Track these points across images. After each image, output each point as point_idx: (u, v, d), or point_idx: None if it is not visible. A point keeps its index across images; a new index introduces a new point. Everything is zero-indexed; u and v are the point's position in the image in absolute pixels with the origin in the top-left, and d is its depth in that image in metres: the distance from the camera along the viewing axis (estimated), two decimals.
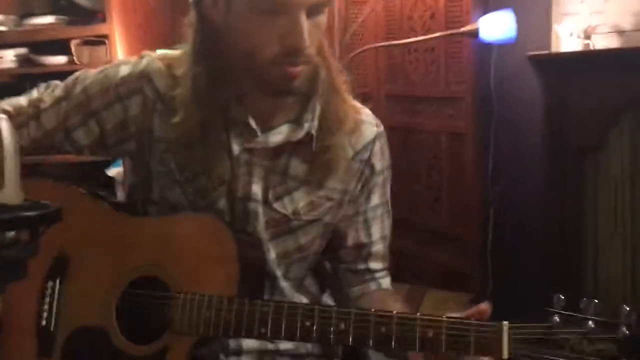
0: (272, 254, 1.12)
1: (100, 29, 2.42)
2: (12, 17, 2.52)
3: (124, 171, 2.50)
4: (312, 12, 0.95)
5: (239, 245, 1.02)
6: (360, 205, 1.17)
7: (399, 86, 2.38)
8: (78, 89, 1.12)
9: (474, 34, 1.93)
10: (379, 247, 1.21)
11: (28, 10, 2.61)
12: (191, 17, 1.04)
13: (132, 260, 1.06)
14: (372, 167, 1.16)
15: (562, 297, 0.87)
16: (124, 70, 1.10)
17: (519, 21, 1.90)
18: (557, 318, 0.86)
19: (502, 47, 2.13)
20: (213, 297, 0.99)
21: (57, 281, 1.07)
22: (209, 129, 1.04)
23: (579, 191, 2.14)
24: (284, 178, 1.10)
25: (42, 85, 1.18)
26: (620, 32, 2.11)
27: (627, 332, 0.82)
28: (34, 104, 1.14)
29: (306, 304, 1.00)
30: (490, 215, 2.34)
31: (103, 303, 1.04)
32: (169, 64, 1.09)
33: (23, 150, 1.12)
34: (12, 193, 0.68)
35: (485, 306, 0.92)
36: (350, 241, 1.19)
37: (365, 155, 1.15)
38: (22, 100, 1.16)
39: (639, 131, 2.05)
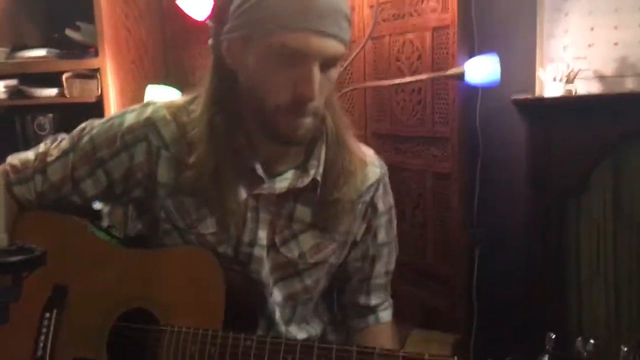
0: (277, 297, 1.12)
1: (92, 63, 2.42)
2: (3, 49, 2.52)
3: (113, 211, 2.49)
4: (326, 65, 0.96)
5: (233, 280, 1.03)
6: (368, 247, 1.19)
7: (386, 125, 2.41)
8: (85, 139, 1.12)
9: (460, 76, 1.96)
10: (381, 282, 1.23)
11: (20, 43, 2.61)
12: (210, 60, 1.06)
13: (125, 292, 1.07)
14: (375, 208, 1.18)
15: (553, 336, 0.85)
16: (130, 119, 1.10)
17: (503, 65, 1.93)
18: (546, 358, 0.85)
19: (487, 90, 2.17)
20: (199, 330, 1.00)
21: (55, 312, 1.08)
22: (221, 173, 1.05)
23: (562, 232, 2.16)
24: (289, 222, 1.11)
25: (50, 139, 1.19)
26: (602, 78, 2.17)
27: None
28: (41, 158, 1.15)
29: (288, 339, 1.01)
30: (475, 255, 2.35)
31: (96, 335, 1.05)
32: (174, 112, 1.10)
33: (30, 204, 1.14)
34: None
35: None
36: (355, 277, 1.21)
37: (368, 196, 1.16)
38: (29, 155, 1.17)
39: (620, 174, 2.09)
